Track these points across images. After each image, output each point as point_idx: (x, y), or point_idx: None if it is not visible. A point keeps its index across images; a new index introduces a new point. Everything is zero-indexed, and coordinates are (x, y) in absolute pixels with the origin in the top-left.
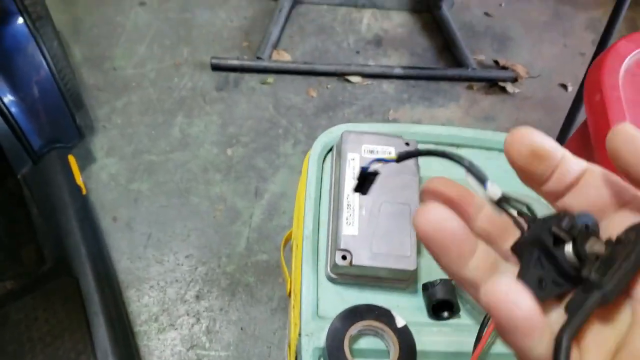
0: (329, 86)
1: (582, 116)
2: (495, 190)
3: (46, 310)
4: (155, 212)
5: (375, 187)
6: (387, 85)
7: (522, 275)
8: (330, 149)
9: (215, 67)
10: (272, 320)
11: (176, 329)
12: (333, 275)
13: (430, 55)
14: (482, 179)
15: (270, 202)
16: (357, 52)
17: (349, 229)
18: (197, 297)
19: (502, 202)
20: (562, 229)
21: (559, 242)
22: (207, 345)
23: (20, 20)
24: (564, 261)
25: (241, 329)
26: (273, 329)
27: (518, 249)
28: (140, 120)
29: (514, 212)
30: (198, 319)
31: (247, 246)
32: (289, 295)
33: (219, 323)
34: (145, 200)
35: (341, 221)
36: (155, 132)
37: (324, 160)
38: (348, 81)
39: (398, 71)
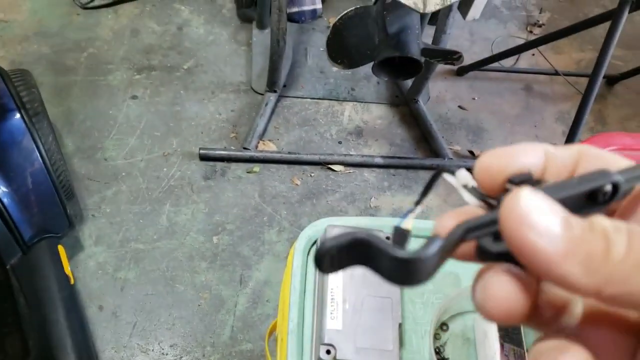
0: (312, 174)
1: None
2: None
3: None
4: (141, 300)
5: (358, 282)
6: (368, 174)
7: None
8: (315, 242)
9: (203, 157)
10: None
11: None
12: None
13: (408, 145)
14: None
15: (254, 290)
16: (340, 142)
17: (333, 323)
18: None
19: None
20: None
21: None
22: None
23: (18, 115)
24: None
25: None
26: None
27: None
28: (128, 209)
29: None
30: None
31: (232, 335)
32: None
33: None
34: (131, 289)
35: (325, 315)
36: (143, 221)
37: (308, 253)
38: (331, 169)
39: (378, 160)
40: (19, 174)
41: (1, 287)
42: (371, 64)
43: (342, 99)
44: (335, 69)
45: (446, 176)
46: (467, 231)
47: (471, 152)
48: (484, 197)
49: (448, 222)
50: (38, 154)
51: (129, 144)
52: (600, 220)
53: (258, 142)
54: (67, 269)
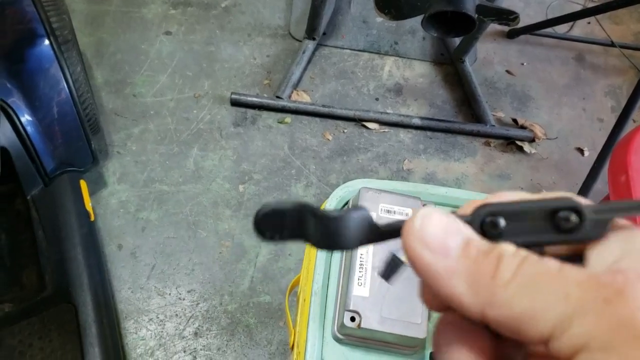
0: (345, 130)
1: (598, 186)
2: None
3: (41, 338)
4: (161, 242)
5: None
6: (404, 135)
7: None
8: (346, 203)
9: (235, 103)
10: None
11: None
12: (340, 336)
13: (449, 108)
14: None
15: (277, 243)
16: (377, 99)
17: (360, 289)
18: (196, 334)
19: None
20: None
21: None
22: None
23: (47, 42)
24: None
25: None
26: None
27: None
28: (155, 149)
29: None
30: (194, 357)
31: (251, 286)
32: (292, 348)
33: None
34: (152, 230)
35: (352, 281)
36: (169, 162)
37: None
38: (365, 127)
39: (416, 121)
40: (45, 103)
41: (21, 218)
42: (420, 17)
43: (384, 52)
44: (380, 19)
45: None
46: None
47: (514, 121)
48: None
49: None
50: (65, 84)
51: (160, 81)
52: (502, 246)
53: (292, 92)
54: (88, 205)
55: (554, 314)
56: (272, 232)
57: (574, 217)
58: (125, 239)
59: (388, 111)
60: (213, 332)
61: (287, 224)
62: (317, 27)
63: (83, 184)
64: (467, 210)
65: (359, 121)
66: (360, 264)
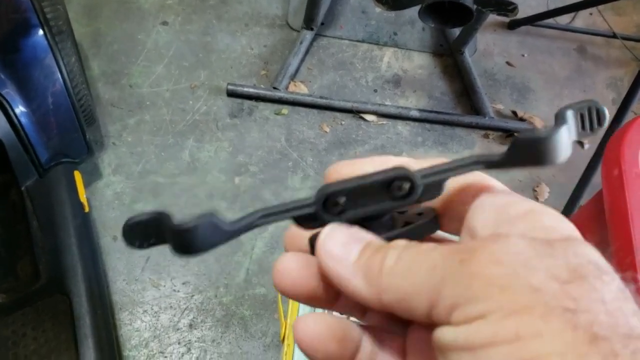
0: (343, 122)
1: (597, 179)
2: None
3: (35, 329)
4: None
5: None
6: (402, 127)
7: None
8: None
9: (231, 94)
10: (265, 357)
11: (166, 357)
12: None
13: (448, 100)
14: None
15: (273, 236)
16: (375, 91)
17: None
18: (190, 326)
19: None
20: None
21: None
22: None
23: (41, 32)
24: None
25: None
26: None
27: None
28: (150, 140)
29: None
30: (189, 349)
31: (246, 278)
32: (282, 340)
33: (210, 355)
34: None
35: None
36: (164, 154)
37: None
38: (363, 119)
39: (414, 113)
40: (39, 93)
41: (15, 209)
42: (418, 7)
43: (383, 43)
44: (378, 9)
45: None
46: (262, 217)
47: (514, 113)
48: None
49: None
50: (60, 75)
51: (156, 72)
52: (394, 242)
53: (289, 83)
54: (82, 197)
55: (427, 288)
56: (140, 241)
57: (406, 185)
58: (120, 230)
59: (386, 103)
60: (208, 324)
61: (150, 233)
62: (315, 17)
63: (77, 175)
64: (331, 176)
65: (356, 113)
66: None
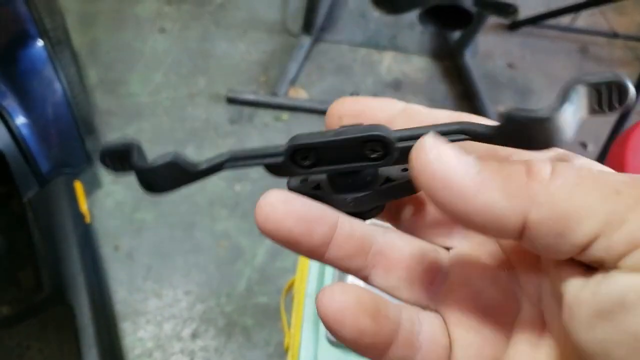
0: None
1: None
2: None
3: (39, 340)
4: (158, 243)
5: None
6: None
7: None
8: None
9: (231, 100)
10: None
11: None
12: (333, 339)
13: (449, 103)
14: None
15: (274, 243)
16: (375, 95)
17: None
18: (193, 336)
19: None
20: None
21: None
22: None
23: (40, 43)
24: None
25: None
26: None
27: None
28: (150, 149)
29: None
30: (192, 358)
31: (248, 287)
32: (287, 350)
33: None
34: (148, 231)
35: (346, 282)
36: None
37: None
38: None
39: None
40: (39, 104)
41: (17, 219)
42: (417, 10)
43: (382, 47)
44: (377, 14)
45: None
46: (230, 160)
47: None
48: None
49: None
50: (59, 85)
51: (154, 80)
52: (539, 154)
53: (288, 88)
54: (83, 207)
55: (603, 210)
56: (114, 166)
57: (380, 148)
58: (121, 240)
59: None
60: (210, 333)
61: (124, 161)
62: (313, 21)
63: (78, 185)
64: (333, 112)
65: None
66: None
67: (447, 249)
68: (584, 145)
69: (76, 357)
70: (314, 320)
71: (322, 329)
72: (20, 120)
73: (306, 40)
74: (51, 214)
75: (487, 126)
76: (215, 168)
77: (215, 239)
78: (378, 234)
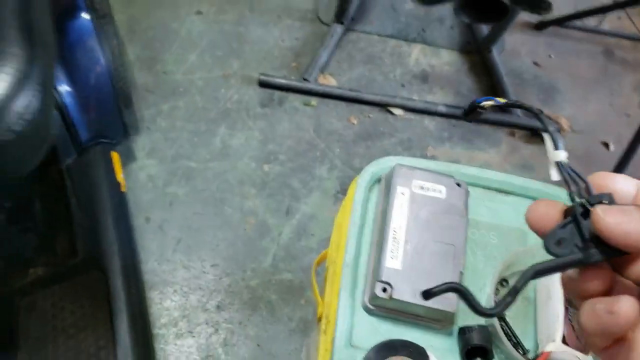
0: (370, 115)
1: None
2: (562, 154)
3: (73, 302)
4: (188, 217)
5: (422, 224)
6: (428, 122)
7: (547, 235)
8: (378, 179)
9: (263, 84)
10: (290, 340)
11: (194, 336)
12: (370, 306)
13: (474, 97)
14: (556, 140)
15: (300, 223)
16: (403, 85)
17: (392, 262)
18: (218, 308)
19: (562, 167)
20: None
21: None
22: (223, 357)
23: (87, 15)
24: (584, 227)
25: (258, 345)
26: (290, 349)
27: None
28: (183, 126)
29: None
30: (216, 330)
31: (273, 263)
32: (319, 319)
33: (237, 336)
34: (180, 205)
35: (385, 253)
36: (197, 139)
37: (370, 190)
38: (390, 113)
39: (441, 109)
40: (83, 75)
41: (55, 186)
42: (449, 3)
43: (411, 39)
44: (409, 6)
45: (546, 138)
46: (536, 273)
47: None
48: (573, 177)
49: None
50: (103, 57)
51: (189, 60)
52: None
53: (319, 75)
54: (120, 176)
55: None
56: None
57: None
58: (153, 212)
59: (414, 97)
60: (235, 306)
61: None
62: (345, 11)
63: (115, 155)
64: (598, 181)
65: (384, 106)
66: (394, 238)
67: None
68: (606, 145)
69: (107, 320)
70: (350, 288)
71: (359, 297)
72: (63, 88)
73: (338, 29)
74: (88, 181)
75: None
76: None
77: (243, 216)
78: None
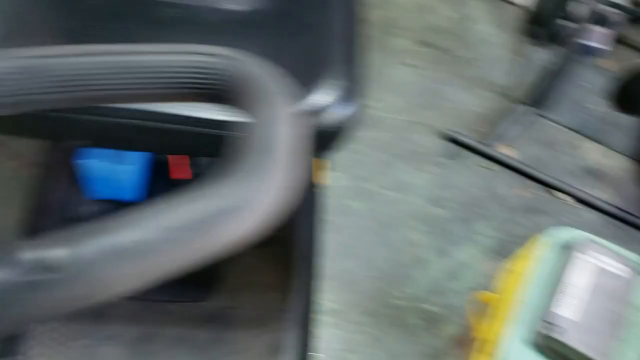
0: (534, 192)
1: None
2: None
3: (266, 262)
4: (357, 227)
5: (600, 292)
6: (587, 214)
7: None
8: (563, 246)
9: (449, 138)
10: None
11: (340, 330)
12: (536, 344)
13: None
14: None
15: (450, 265)
16: (571, 175)
17: (566, 310)
18: (365, 313)
19: None
20: None
21: None
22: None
23: None
24: None
25: (392, 357)
26: None
27: None
28: (371, 153)
29: None
30: (361, 331)
31: (421, 292)
32: (466, 345)
33: (375, 342)
34: (352, 216)
35: (559, 301)
36: (380, 168)
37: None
38: (553, 196)
39: (606, 206)
40: None
41: None
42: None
43: (588, 136)
44: (591, 105)
45: None
46: None
47: None
48: None
49: None
50: None
51: (389, 100)
52: None
53: (499, 144)
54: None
55: None
56: None
57: None
58: (328, 215)
59: (581, 188)
60: (381, 317)
61: None
62: (539, 97)
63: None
64: None
65: (551, 188)
66: (571, 293)
67: None
68: None
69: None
70: (518, 327)
71: (524, 333)
72: None
73: (526, 110)
74: None
75: None
76: None
77: (404, 243)
78: None
